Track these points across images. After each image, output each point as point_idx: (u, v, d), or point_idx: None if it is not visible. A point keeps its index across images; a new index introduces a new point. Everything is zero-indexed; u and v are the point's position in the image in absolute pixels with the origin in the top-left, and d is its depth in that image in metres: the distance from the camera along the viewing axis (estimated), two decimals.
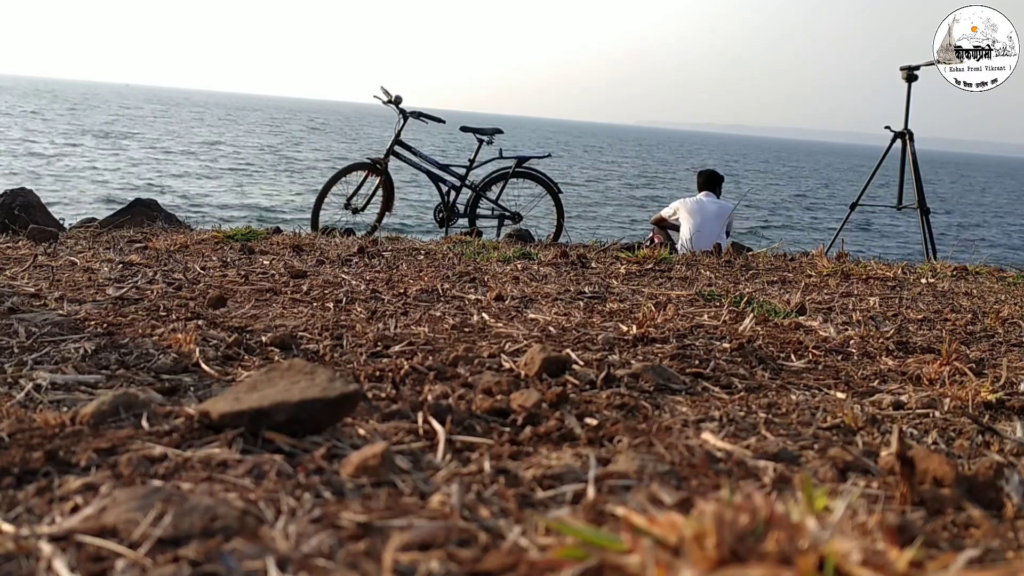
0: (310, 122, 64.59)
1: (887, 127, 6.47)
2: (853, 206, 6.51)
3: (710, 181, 6.52)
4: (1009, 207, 34.74)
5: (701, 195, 6.42)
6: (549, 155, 7.14)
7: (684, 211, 6.28)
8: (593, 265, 3.37)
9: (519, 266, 3.20)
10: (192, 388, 1.35)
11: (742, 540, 0.64)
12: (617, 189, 27.36)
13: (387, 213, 6.47)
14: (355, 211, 6.35)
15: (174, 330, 1.69)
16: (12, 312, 1.80)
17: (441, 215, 6.54)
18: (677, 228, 6.34)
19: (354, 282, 2.52)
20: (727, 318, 2.18)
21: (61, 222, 4.51)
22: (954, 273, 3.84)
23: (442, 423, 1.17)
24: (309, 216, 6.33)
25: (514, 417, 1.24)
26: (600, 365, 1.57)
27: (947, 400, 1.49)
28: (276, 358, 1.57)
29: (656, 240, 6.39)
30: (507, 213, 6.57)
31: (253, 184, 20.29)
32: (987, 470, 1.09)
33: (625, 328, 1.94)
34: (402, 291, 2.39)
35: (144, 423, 1.11)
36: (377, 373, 1.45)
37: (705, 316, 2.21)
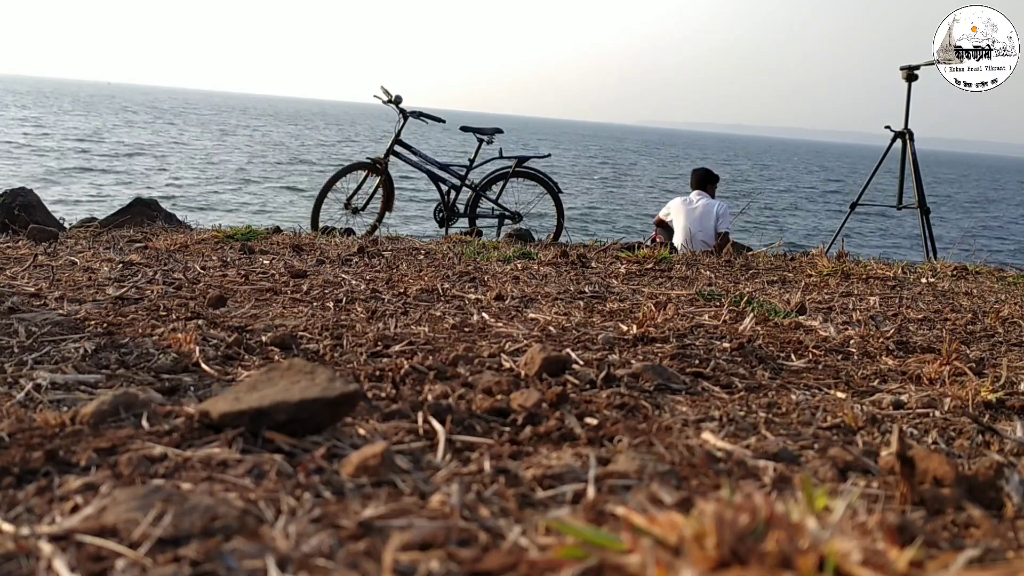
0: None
1: (887, 127, 6.47)
2: (853, 206, 6.51)
3: (702, 180, 6.52)
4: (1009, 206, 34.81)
5: (693, 194, 6.44)
6: (549, 155, 7.14)
7: (675, 211, 6.31)
8: (593, 265, 3.37)
9: (519, 266, 3.20)
10: (192, 388, 1.35)
11: (742, 540, 0.64)
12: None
13: (387, 213, 6.47)
14: (355, 211, 6.35)
15: (174, 330, 1.69)
16: (12, 312, 1.80)
17: (441, 215, 6.54)
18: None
19: (354, 282, 2.52)
20: (727, 318, 2.18)
21: (61, 222, 4.51)
22: (954, 273, 3.84)
23: (442, 423, 1.17)
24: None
25: (514, 417, 1.24)
26: (600, 365, 1.57)
27: (947, 400, 1.49)
28: (276, 358, 1.57)
29: (658, 239, 6.40)
30: (507, 213, 6.57)
31: None
32: (987, 470, 1.09)
33: (625, 328, 1.94)
34: (402, 291, 2.39)
35: (144, 423, 1.11)
36: (377, 373, 1.45)
37: (705, 316, 2.21)
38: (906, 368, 1.74)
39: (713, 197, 6.48)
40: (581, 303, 2.36)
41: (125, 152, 25.60)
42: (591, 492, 0.95)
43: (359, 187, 6.36)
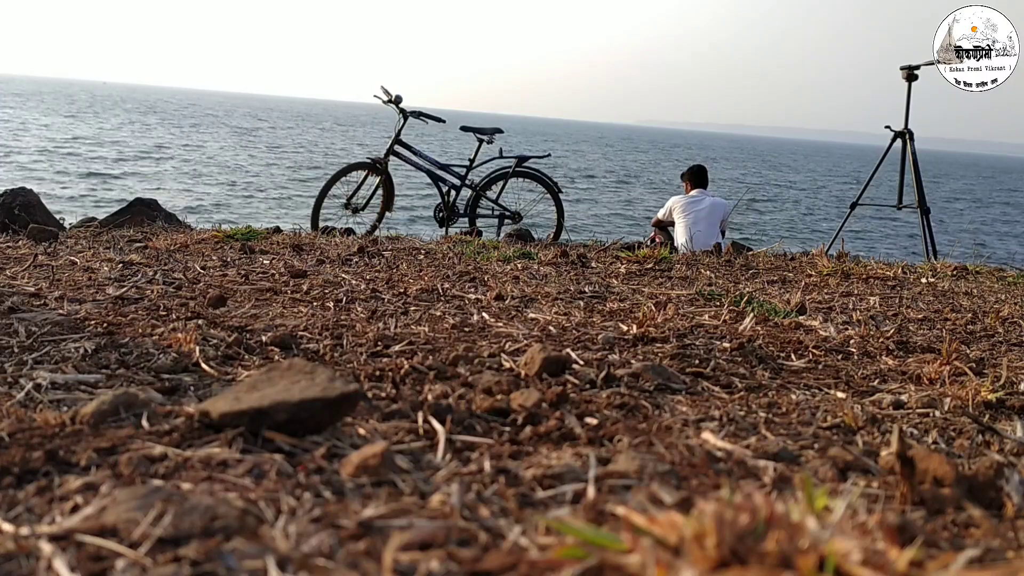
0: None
1: (887, 127, 6.47)
2: (853, 206, 6.51)
3: (698, 178, 6.50)
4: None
5: (693, 193, 6.41)
6: (549, 155, 7.15)
7: (677, 211, 6.29)
8: (593, 265, 3.37)
9: (519, 266, 3.20)
10: (192, 388, 1.35)
11: (742, 540, 0.64)
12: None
13: (387, 213, 6.47)
14: (355, 211, 6.35)
15: (174, 330, 1.69)
16: (12, 311, 1.80)
17: (441, 215, 6.54)
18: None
19: (354, 281, 2.52)
20: (727, 318, 2.18)
21: (61, 221, 4.51)
22: (954, 273, 3.84)
23: (442, 423, 1.17)
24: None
25: (514, 417, 1.24)
26: (600, 365, 1.57)
27: (947, 400, 1.49)
28: (276, 358, 1.57)
29: (657, 240, 6.40)
30: (507, 213, 6.57)
31: None
32: (987, 470, 1.09)
33: (625, 328, 1.93)
34: (402, 291, 2.39)
35: (144, 423, 1.11)
36: (377, 373, 1.45)
37: (705, 316, 2.21)
38: (906, 368, 1.74)
39: (706, 190, 6.48)
40: (581, 303, 2.36)
41: (132, 155, 25.62)
42: (591, 492, 0.95)
43: (359, 187, 6.36)
